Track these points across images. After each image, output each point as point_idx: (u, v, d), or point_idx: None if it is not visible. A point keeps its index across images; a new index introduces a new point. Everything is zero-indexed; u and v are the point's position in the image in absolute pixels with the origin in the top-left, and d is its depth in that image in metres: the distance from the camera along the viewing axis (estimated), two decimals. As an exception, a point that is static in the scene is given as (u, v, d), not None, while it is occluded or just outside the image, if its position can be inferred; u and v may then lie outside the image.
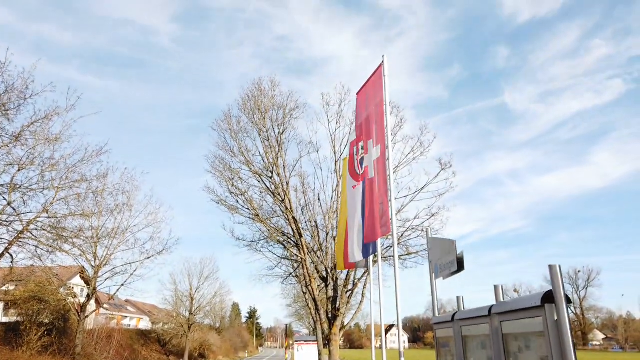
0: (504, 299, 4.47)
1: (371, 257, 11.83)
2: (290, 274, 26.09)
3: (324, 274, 20.67)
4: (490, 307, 4.40)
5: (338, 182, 20.42)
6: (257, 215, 20.11)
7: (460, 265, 5.60)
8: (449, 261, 5.85)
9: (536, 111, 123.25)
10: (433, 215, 18.61)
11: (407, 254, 19.65)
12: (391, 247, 19.61)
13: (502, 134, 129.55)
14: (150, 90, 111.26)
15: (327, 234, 20.90)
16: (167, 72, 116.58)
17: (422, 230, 19.21)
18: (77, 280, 39.88)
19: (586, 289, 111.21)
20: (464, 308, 5.58)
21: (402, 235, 19.30)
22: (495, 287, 4.49)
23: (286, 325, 57.29)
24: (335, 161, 20.62)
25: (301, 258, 19.94)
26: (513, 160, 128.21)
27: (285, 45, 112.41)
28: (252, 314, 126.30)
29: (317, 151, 20.95)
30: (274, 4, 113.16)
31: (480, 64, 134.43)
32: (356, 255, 11.15)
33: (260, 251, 22.46)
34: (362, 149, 11.70)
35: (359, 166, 11.76)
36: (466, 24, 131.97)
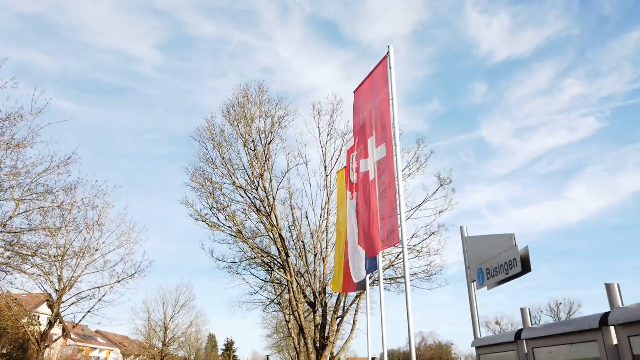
0: (622, 303, 3.04)
1: (368, 278, 10.42)
2: (273, 300, 24.18)
3: (312, 298, 18.93)
4: (605, 315, 2.96)
5: (328, 198, 18.95)
6: (240, 233, 18.36)
7: (525, 266, 4.16)
8: (506, 262, 4.40)
9: (513, 146, 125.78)
10: (432, 234, 17.19)
11: (402, 277, 18.09)
12: (387, 269, 18.08)
13: (480, 168, 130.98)
14: (130, 116, 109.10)
15: (315, 255, 19.25)
16: (147, 99, 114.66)
17: (419, 251, 17.77)
18: (44, 308, 36.98)
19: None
20: (532, 324, 4.11)
21: (398, 256, 17.78)
22: (608, 285, 3.06)
23: (267, 356, 54.53)
24: (326, 176, 19.19)
25: (287, 280, 18.20)
26: (492, 193, 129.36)
27: (269, 76, 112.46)
28: (229, 346, 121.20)
29: (306, 165, 19.51)
30: (259, 37, 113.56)
31: (459, 100, 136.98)
32: (360, 273, 9.70)
33: (240, 274, 20.70)
34: (362, 152, 10.24)
35: (357, 173, 10.33)
36: (445, 62, 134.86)
